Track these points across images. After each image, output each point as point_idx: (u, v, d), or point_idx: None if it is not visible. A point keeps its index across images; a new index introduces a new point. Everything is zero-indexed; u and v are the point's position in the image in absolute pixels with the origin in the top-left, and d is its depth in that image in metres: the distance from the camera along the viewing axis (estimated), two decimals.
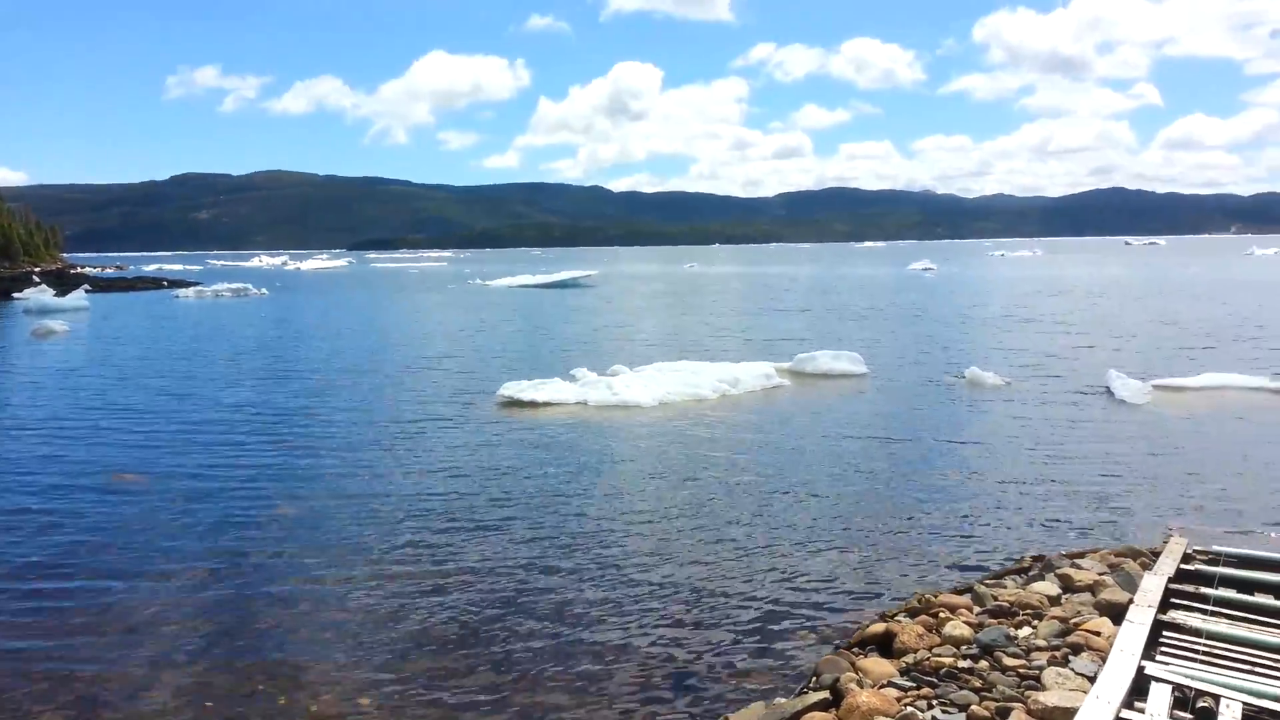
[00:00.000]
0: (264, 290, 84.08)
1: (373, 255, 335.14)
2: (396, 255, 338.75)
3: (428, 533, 12.46)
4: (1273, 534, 11.68)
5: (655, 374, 25.04)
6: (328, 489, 14.87)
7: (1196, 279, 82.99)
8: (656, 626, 9.25)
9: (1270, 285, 71.13)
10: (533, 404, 22.24)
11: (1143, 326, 40.38)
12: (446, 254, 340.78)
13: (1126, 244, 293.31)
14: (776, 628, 9.17)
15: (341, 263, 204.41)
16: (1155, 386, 22.98)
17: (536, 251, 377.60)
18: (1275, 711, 5.87)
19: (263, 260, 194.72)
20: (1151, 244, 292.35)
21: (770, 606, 9.70)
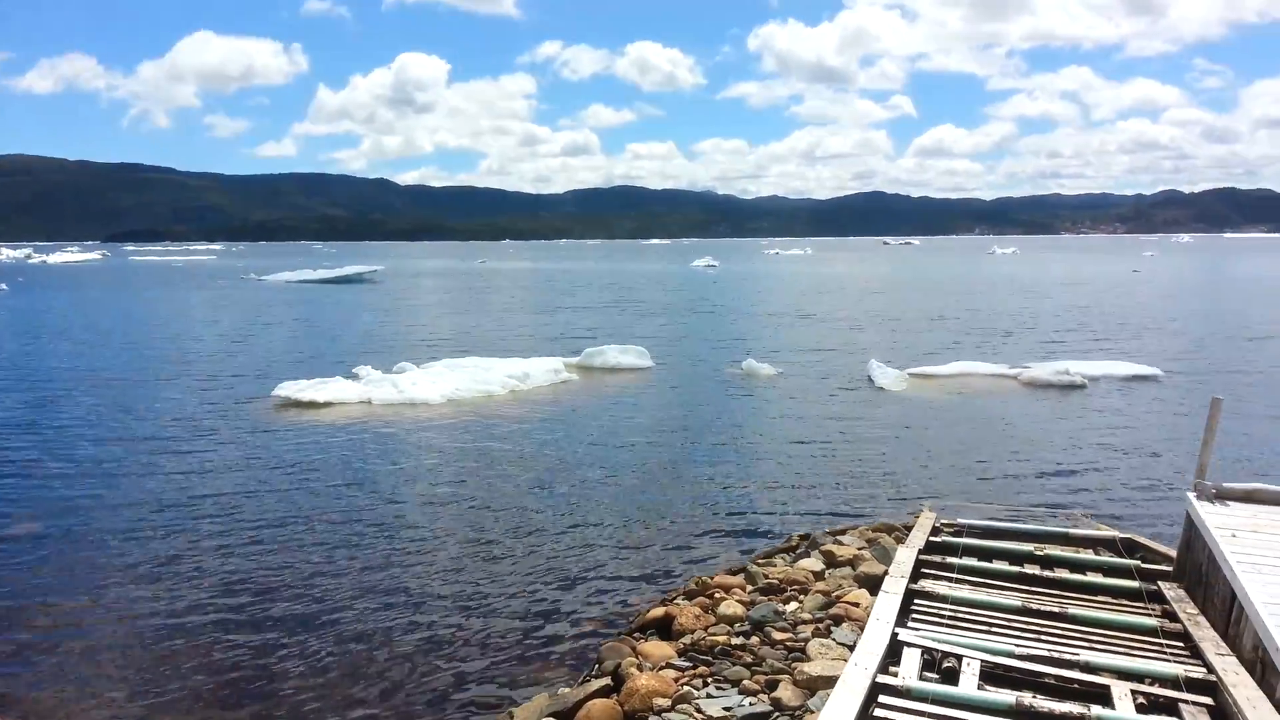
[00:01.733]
0: (2, 286, 75.55)
1: (131, 248, 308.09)
2: (159, 248, 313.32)
3: (197, 548, 11.63)
4: (1010, 505, 12.94)
5: (443, 371, 24.57)
6: (72, 506, 13.56)
7: (947, 276, 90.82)
8: (442, 626, 9.08)
9: (1007, 281, 78.89)
10: (312, 404, 21.25)
11: (901, 319, 43.73)
12: (216, 246, 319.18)
13: (885, 243, 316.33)
14: (562, 619, 9.23)
15: (95, 255, 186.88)
16: (911, 374, 24.94)
17: (317, 245, 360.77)
18: (1009, 666, 6.49)
19: (3, 253, 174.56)
20: (907, 244, 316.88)
21: (556, 599, 9.75)
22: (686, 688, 6.58)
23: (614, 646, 7.62)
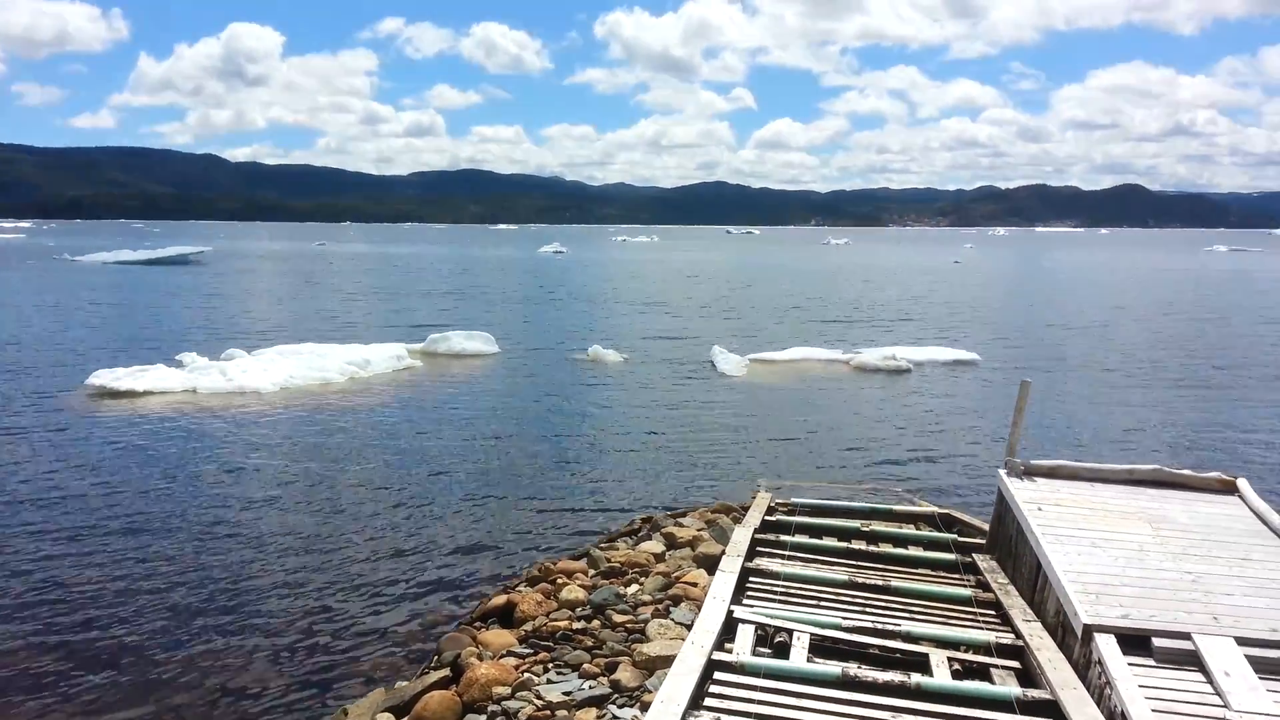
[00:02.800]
0: None
1: None
2: None
3: (5, 550, 10.70)
4: (841, 484, 13.50)
5: (276, 358, 23.51)
6: None
7: (786, 265, 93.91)
8: (272, 628, 8.71)
9: (841, 270, 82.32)
10: (131, 394, 19.92)
11: (743, 307, 44.93)
12: (25, 224, 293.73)
13: (728, 233, 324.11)
14: (402, 614, 9.02)
15: None
16: (752, 360, 25.67)
17: (138, 224, 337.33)
18: (836, 639, 6.77)
19: None
20: (748, 233, 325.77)
21: (395, 593, 9.52)
22: (527, 675, 6.54)
23: (453, 637, 7.50)
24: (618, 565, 8.76)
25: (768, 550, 8.75)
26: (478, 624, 7.89)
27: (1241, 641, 5.80)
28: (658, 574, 8.43)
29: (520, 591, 8.24)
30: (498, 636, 7.28)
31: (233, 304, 44.34)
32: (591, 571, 8.71)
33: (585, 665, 6.61)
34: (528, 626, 7.44)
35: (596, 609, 7.65)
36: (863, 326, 36.19)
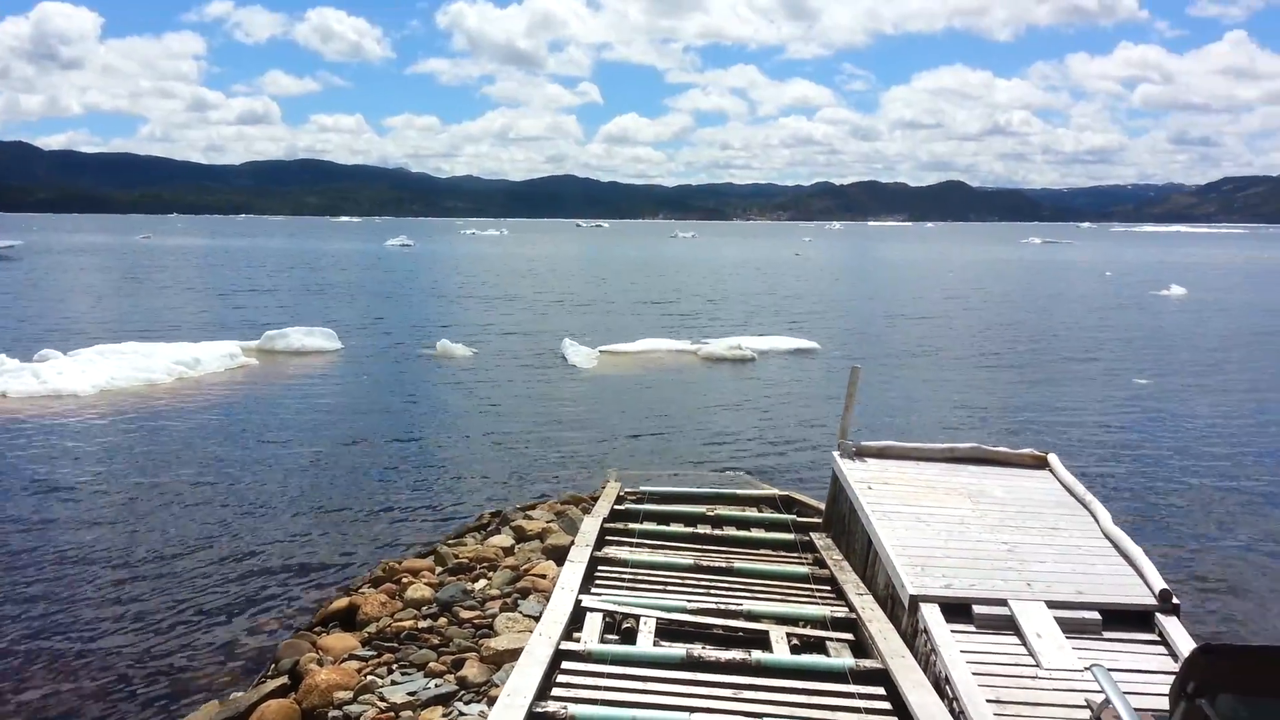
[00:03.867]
0: None
1: None
2: None
3: None
4: (688, 471, 13.77)
5: (96, 358, 21.97)
6: None
7: (635, 258, 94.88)
8: (100, 647, 8.13)
9: (689, 263, 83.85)
10: None
11: (594, 299, 45.12)
12: None
13: (578, 226, 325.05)
14: (238, 623, 8.61)
15: None
16: (602, 352, 25.81)
17: None
18: (682, 621, 6.91)
19: None
20: (598, 226, 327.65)
21: (231, 603, 9.07)
22: (370, 677, 6.38)
23: (292, 644, 7.23)
24: (465, 561, 8.64)
25: (616, 539, 8.85)
26: (318, 629, 7.63)
27: (1051, 605, 6.27)
28: (506, 568, 8.37)
29: (363, 593, 8.01)
30: (339, 640, 7.06)
31: (47, 301, 41.13)
32: (439, 569, 8.57)
33: (431, 664, 6.50)
34: (371, 628, 7.25)
35: (443, 606, 7.53)
36: (710, 317, 36.98)
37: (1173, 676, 3.61)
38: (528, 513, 10.33)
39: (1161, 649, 5.95)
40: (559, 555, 8.42)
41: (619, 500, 10.23)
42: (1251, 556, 10.37)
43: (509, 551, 8.97)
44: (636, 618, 6.81)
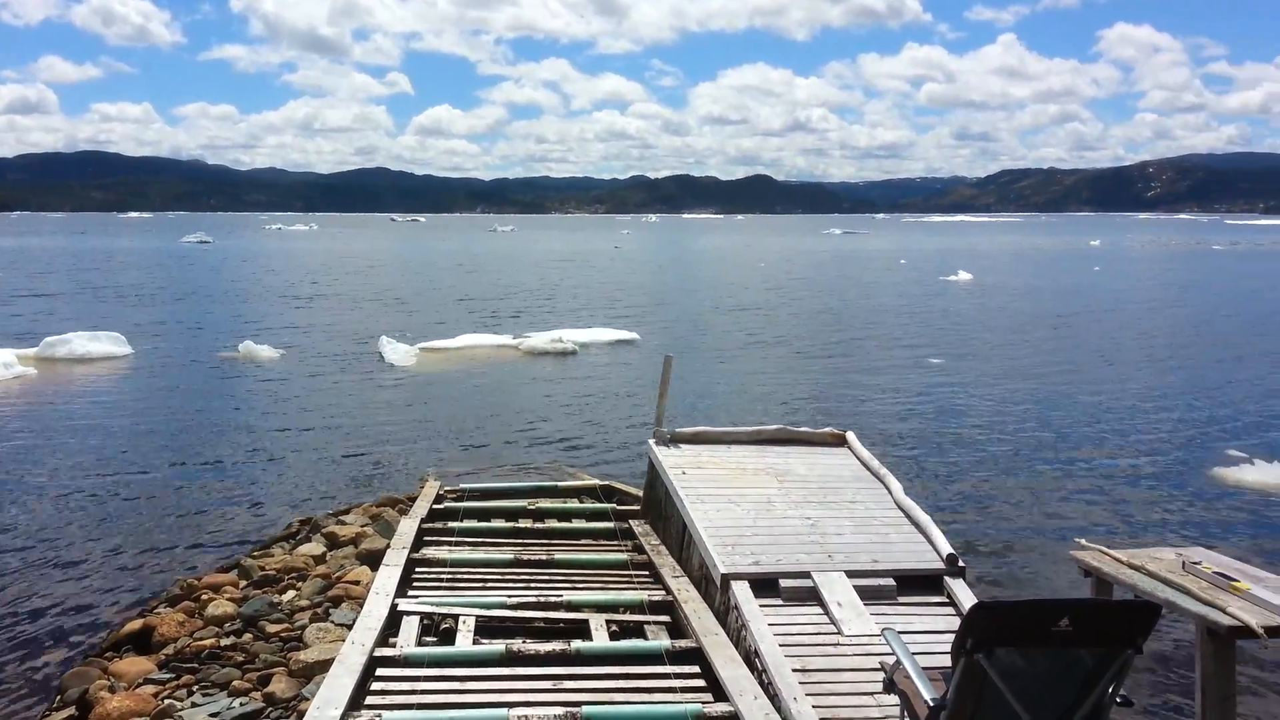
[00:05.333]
0: None
1: None
2: None
3: None
4: (510, 465, 13.70)
5: None
6: None
7: (454, 252, 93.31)
8: None
9: (509, 256, 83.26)
10: None
11: (411, 295, 44.03)
12: None
13: (393, 220, 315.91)
14: (16, 654, 7.86)
15: None
16: (422, 349, 25.23)
17: None
18: (502, 617, 6.87)
19: None
20: (414, 220, 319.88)
21: (13, 634, 8.27)
22: (168, 701, 5.99)
23: (79, 672, 6.68)
24: (272, 573, 8.24)
25: (435, 539, 8.71)
26: (109, 654, 7.08)
27: (850, 574, 6.63)
28: (317, 576, 8.05)
29: (159, 614, 7.50)
30: (133, 665, 6.59)
31: None
32: (243, 583, 8.13)
33: (235, 682, 6.17)
34: (168, 650, 6.80)
35: (248, 621, 7.16)
36: (532, 311, 36.85)
37: None
38: (340, 518, 9.98)
39: (950, 610, 6.41)
40: (374, 560, 8.17)
41: (438, 499, 10.06)
42: (1029, 519, 11.33)
43: (320, 560, 8.63)
44: (455, 617, 6.72)
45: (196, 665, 6.51)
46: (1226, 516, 11.39)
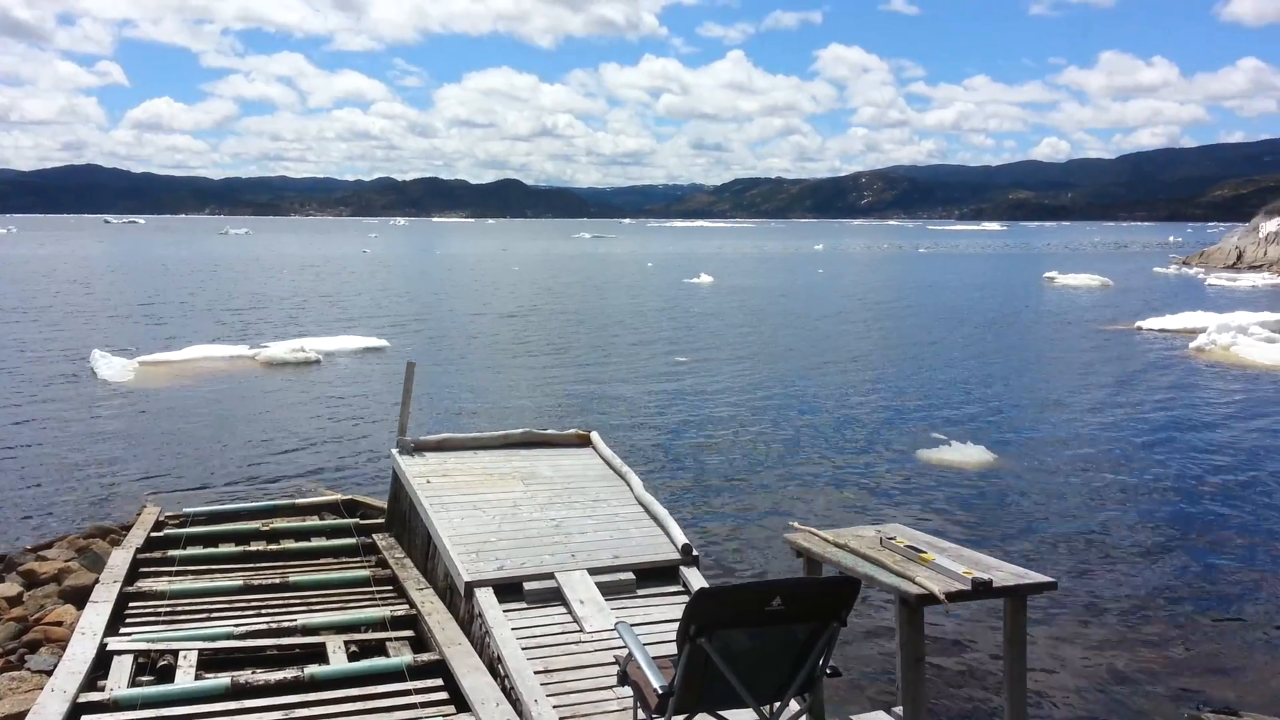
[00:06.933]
0: None
1: None
2: None
3: None
4: (245, 486, 12.86)
5: None
6: None
7: (180, 257, 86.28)
8: None
9: (244, 261, 78.17)
10: None
11: (130, 305, 40.23)
12: None
13: (107, 222, 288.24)
14: None
15: None
16: (142, 363, 23.12)
17: None
18: (230, 648, 6.44)
19: None
20: (131, 222, 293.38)
21: None
22: None
23: None
24: None
25: (154, 569, 8.05)
26: None
27: (592, 571, 6.79)
28: (11, 620, 7.18)
29: None
30: None
31: None
32: None
33: None
34: None
35: None
36: (272, 319, 34.77)
37: None
38: (41, 553, 8.95)
39: (686, 598, 6.71)
40: (81, 597, 7.42)
41: (158, 526, 9.30)
42: (758, 506, 12.07)
43: (15, 601, 7.69)
44: (175, 653, 6.23)
45: None
46: (927, 493, 12.68)
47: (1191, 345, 26.94)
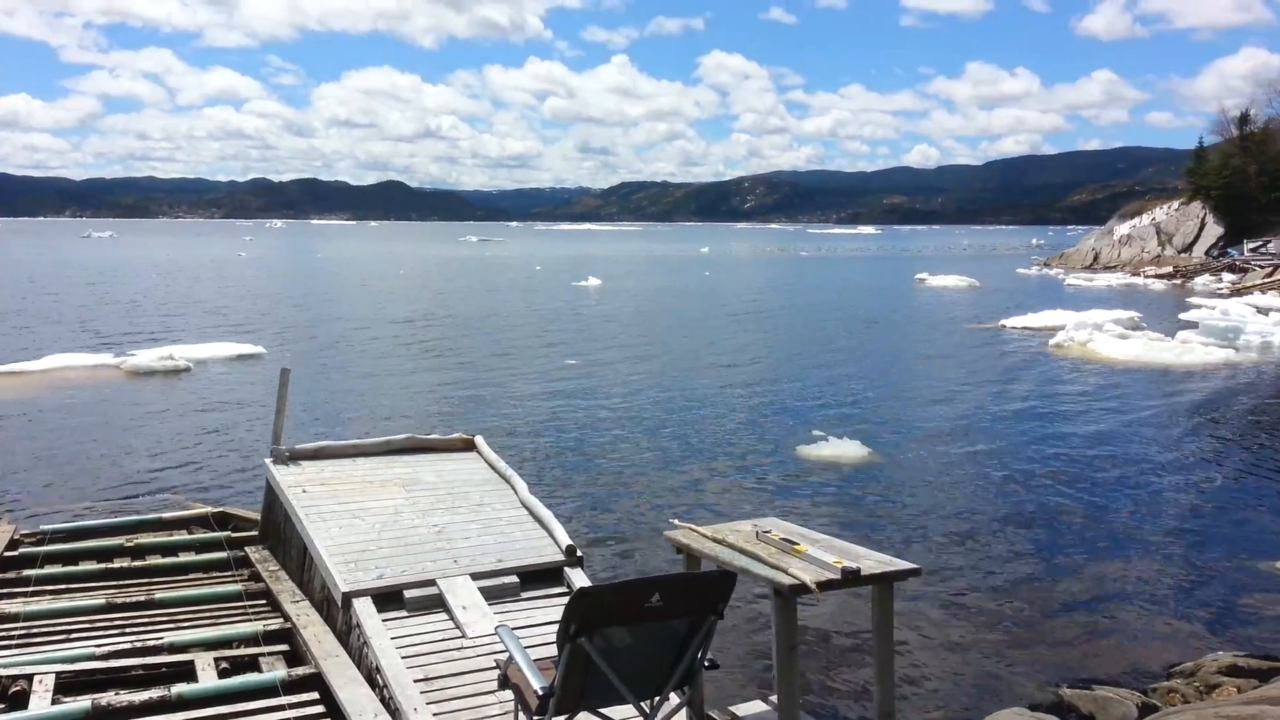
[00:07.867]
0: None
1: None
2: None
3: None
4: (107, 501, 12.23)
5: None
6: None
7: (36, 262, 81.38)
8: None
9: (108, 266, 74.31)
10: None
11: None
12: None
13: None
14: None
15: None
16: None
17: None
18: (91, 670, 6.13)
19: None
20: None
21: None
22: None
23: None
24: None
25: (7, 590, 7.60)
26: None
27: (475, 576, 6.73)
28: None
29: None
30: None
31: None
32: None
33: None
34: None
35: None
36: (139, 326, 33.15)
37: None
38: None
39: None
40: None
41: (12, 545, 8.75)
42: (643, 505, 12.19)
43: None
44: (29, 677, 5.90)
45: None
46: (804, 487, 13.06)
47: (1051, 342, 28.55)
